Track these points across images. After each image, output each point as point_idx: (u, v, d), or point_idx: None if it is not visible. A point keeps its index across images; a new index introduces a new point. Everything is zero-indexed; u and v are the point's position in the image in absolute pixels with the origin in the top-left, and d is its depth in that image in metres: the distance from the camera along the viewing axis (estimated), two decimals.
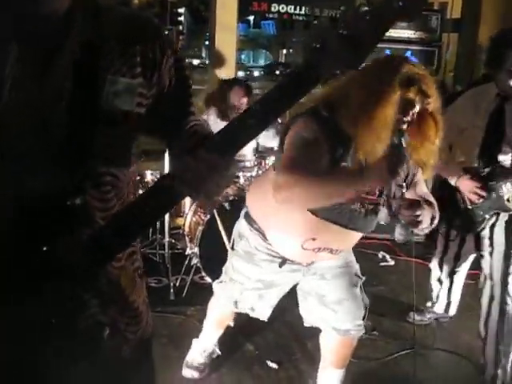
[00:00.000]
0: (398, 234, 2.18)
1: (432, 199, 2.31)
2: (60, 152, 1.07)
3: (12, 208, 1.06)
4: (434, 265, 3.72)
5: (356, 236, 2.37)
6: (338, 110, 2.04)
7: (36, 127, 1.06)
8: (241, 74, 35.70)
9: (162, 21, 27.77)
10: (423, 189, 2.36)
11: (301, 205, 2.12)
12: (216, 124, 4.75)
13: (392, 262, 5.04)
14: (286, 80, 1.06)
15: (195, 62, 42.40)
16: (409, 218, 2.02)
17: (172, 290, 3.99)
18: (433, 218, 2.15)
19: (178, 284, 4.11)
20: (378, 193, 2.19)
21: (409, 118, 2.03)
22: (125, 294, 1.31)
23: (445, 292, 3.70)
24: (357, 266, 2.57)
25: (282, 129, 2.33)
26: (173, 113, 1.29)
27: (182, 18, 27.68)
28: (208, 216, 3.92)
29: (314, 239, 2.25)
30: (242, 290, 2.56)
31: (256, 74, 36.77)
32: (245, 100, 4.66)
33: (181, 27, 28.28)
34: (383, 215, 2.12)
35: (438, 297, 3.76)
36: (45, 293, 1.06)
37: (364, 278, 2.57)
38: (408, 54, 5.40)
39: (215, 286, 2.79)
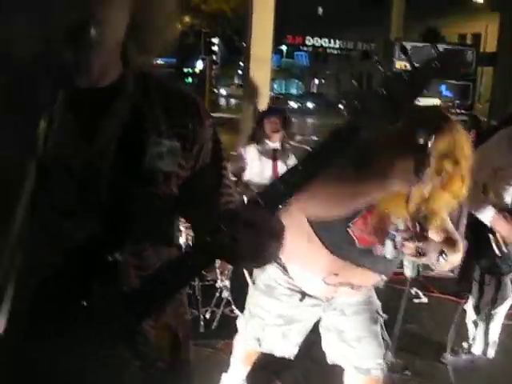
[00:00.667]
0: (405, 268, 2.15)
1: (456, 236, 2.27)
2: (104, 211, 1.11)
3: (55, 262, 1.10)
4: (469, 307, 3.63)
5: (377, 276, 2.34)
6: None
7: (83, 186, 1.11)
8: (293, 104, 35.95)
9: (196, 50, 28.30)
10: (449, 227, 2.31)
11: (323, 210, 2.06)
12: (255, 160, 4.78)
13: (425, 299, 4.94)
14: (327, 140, 1.08)
15: (228, 91, 43.02)
16: (411, 250, 2.00)
17: (202, 323, 3.97)
18: (442, 252, 2.09)
19: (207, 316, 4.09)
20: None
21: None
22: (164, 354, 1.28)
23: (481, 334, 3.60)
24: (378, 304, 2.53)
25: None
26: (207, 187, 1.31)
27: (215, 48, 28.27)
28: None
29: (336, 274, 2.25)
30: (264, 326, 2.53)
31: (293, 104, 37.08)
32: (280, 130, 4.67)
33: (214, 57, 28.85)
34: (388, 249, 2.09)
35: (474, 338, 3.66)
36: (85, 347, 1.06)
37: (386, 317, 2.53)
38: (443, 87, 5.38)
39: (239, 322, 2.78)
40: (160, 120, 1.19)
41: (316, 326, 2.59)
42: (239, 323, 2.77)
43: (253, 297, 2.60)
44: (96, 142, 1.12)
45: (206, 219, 1.25)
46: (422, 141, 1.84)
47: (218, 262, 4.20)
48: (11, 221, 0.85)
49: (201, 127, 1.27)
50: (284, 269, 2.41)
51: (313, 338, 2.66)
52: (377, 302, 2.53)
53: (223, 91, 43.21)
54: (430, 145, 1.84)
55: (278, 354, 2.60)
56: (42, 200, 0.89)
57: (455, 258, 2.21)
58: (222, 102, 34.46)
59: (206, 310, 4.13)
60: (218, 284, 4.12)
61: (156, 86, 1.23)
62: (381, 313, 2.51)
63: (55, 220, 1.09)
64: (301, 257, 2.29)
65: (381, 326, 2.49)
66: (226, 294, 4.00)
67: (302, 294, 2.40)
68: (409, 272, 2.16)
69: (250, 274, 2.85)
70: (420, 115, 1.99)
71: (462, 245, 2.27)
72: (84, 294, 1.08)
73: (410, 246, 2.00)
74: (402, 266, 2.37)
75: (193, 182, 1.26)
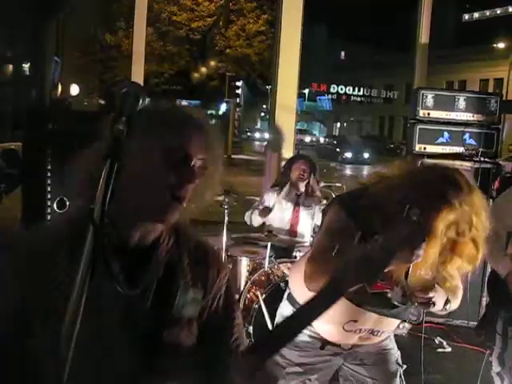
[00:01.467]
0: (411, 315, 2.15)
1: (458, 283, 2.24)
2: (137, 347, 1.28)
3: None
4: (493, 359, 3.57)
5: (396, 321, 2.33)
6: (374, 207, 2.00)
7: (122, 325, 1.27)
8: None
9: (221, 93, 28.66)
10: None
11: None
12: (277, 204, 4.82)
13: (449, 349, 4.87)
14: (322, 292, 1.31)
15: (251, 134, 43.40)
16: (421, 299, 2.02)
17: None
18: (447, 302, 2.13)
19: None
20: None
21: None
22: None
23: None
24: (398, 353, 2.51)
25: (324, 209, 2.38)
26: (221, 327, 1.48)
27: (239, 91, 28.71)
28: (263, 295, 3.92)
29: (355, 321, 2.25)
30: (284, 374, 2.52)
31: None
32: (308, 177, 4.72)
33: (238, 99, 29.26)
34: (396, 295, 2.09)
35: None
36: None
37: (405, 366, 2.50)
38: (466, 136, 5.40)
39: None
40: (186, 271, 1.38)
41: (335, 375, 2.57)
42: None
43: None
44: (137, 288, 1.29)
45: (217, 356, 1.40)
46: (415, 217, 1.87)
47: (241, 306, 4.21)
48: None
49: (219, 276, 1.46)
50: None
51: None
52: (397, 352, 2.52)
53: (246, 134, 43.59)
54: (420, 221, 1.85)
55: None
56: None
57: (455, 305, 2.23)
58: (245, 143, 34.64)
59: None
60: None
61: (184, 239, 1.42)
62: (400, 363, 2.50)
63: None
64: None
65: (400, 376, 2.48)
66: (248, 340, 3.99)
67: (323, 343, 2.40)
68: (412, 316, 2.16)
69: (272, 322, 2.85)
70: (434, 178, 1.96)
71: (461, 291, 2.28)
72: None
73: (421, 296, 2.02)
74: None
75: (209, 322, 1.43)
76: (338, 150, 32.77)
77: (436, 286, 2.07)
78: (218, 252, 1.54)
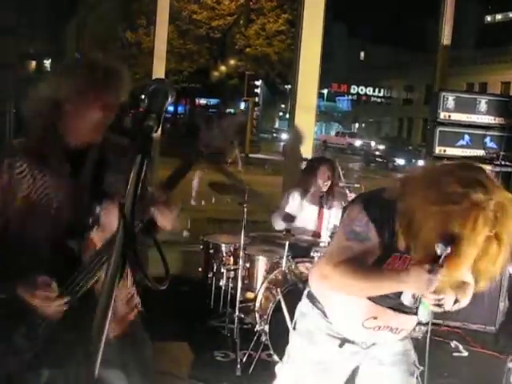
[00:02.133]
0: (421, 315, 2.15)
1: (468, 279, 2.26)
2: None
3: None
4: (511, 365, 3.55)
5: (415, 318, 2.30)
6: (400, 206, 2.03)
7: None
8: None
9: (240, 92, 28.67)
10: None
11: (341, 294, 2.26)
12: (300, 206, 4.83)
13: (465, 353, 4.83)
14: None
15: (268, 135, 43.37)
16: (432, 301, 2.04)
17: (239, 366, 3.97)
18: (456, 301, 2.13)
19: (244, 360, 4.09)
20: None
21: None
22: None
23: None
24: (415, 356, 2.51)
25: (343, 209, 2.42)
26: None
27: (258, 90, 28.72)
28: (280, 294, 3.92)
29: (375, 318, 2.25)
30: (302, 372, 2.52)
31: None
32: (330, 180, 4.75)
33: (257, 99, 29.26)
34: (407, 297, 2.10)
35: None
36: None
37: (422, 368, 2.50)
38: (487, 139, 5.36)
39: (278, 368, 2.75)
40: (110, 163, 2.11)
41: (351, 378, 2.57)
42: (278, 370, 2.76)
43: (292, 342, 2.61)
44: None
45: None
46: (439, 252, 1.92)
47: (257, 305, 4.23)
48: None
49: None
50: (325, 314, 2.43)
51: None
52: (414, 353, 2.52)
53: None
54: (444, 256, 1.92)
55: None
56: None
57: (465, 303, 2.23)
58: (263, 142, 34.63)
59: (244, 354, 4.13)
60: (257, 328, 4.13)
61: (109, 143, 2.13)
62: (417, 365, 2.49)
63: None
64: (340, 301, 2.31)
65: (417, 377, 2.48)
66: (263, 339, 4.00)
67: (342, 341, 2.39)
68: (422, 316, 2.16)
69: (291, 319, 2.85)
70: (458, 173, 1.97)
71: (471, 287, 2.27)
72: None
73: (431, 298, 2.03)
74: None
75: None
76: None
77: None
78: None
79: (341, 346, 2.39)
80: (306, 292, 2.56)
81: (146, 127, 1.01)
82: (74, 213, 2.03)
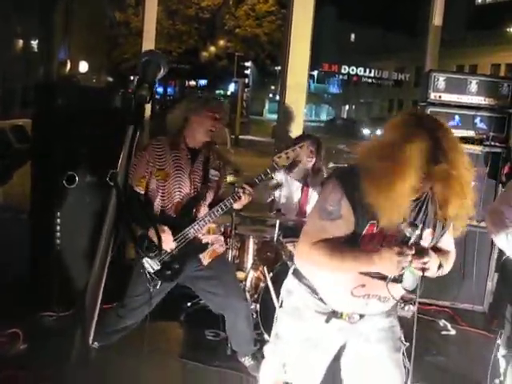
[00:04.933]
0: (406, 281, 2.17)
1: (451, 248, 2.38)
2: None
3: None
4: (501, 342, 3.58)
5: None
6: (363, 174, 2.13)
7: None
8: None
9: (229, 73, 28.59)
10: (446, 239, 2.40)
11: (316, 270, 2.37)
12: (285, 184, 4.83)
13: (453, 332, 4.88)
14: None
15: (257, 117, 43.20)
16: (417, 264, 2.10)
17: (229, 345, 3.99)
18: (440, 266, 2.23)
19: None
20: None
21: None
22: None
23: None
24: (401, 332, 2.53)
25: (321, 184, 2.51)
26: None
27: (248, 71, 28.57)
28: (270, 273, 3.94)
29: (363, 286, 2.27)
30: (289, 350, 2.52)
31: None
32: (314, 157, 4.72)
33: (246, 80, 29.11)
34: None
35: (505, 374, 3.60)
36: None
37: (407, 344, 2.52)
38: (477, 120, 5.36)
39: (266, 348, 2.77)
40: (212, 162, 3.58)
41: (338, 357, 2.58)
42: (266, 350, 2.77)
43: (279, 320, 2.61)
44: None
45: None
46: (408, 234, 2.08)
47: (248, 284, 4.24)
48: None
49: (224, 168, 3.60)
50: (312, 290, 2.43)
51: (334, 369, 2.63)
52: (399, 330, 2.53)
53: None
54: (413, 238, 2.08)
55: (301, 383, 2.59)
56: None
57: (447, 269, 2.34)
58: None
59: None
60: None
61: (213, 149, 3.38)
62: (403, 340, 2.51)
63: None
64: (328, 274, 2.34)
65: (403, 353, 2.49)
66: (254, 318, 4.01)
67: (329, 315, 2.40)
68: (408, 284, 2.18)
69: (277, 297, 2.87)
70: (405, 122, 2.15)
71: (453, 255, 2.38)
72: None
73: (417, 262, 2.09)
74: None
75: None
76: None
77: (430, 251, 2.16)
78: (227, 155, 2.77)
79: (327, 321, 2.40)
80: (291, 270, 2.58)
81: (138, 96, 1.00)
82: (191, 187, 3.41)
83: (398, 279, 2.20)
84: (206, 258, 3.52)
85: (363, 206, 2.13)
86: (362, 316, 2.41)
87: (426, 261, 2.10)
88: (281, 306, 2.59)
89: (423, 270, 2.11)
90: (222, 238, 3.78)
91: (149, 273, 3.30)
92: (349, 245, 2.20)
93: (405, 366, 2.46)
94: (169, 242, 3.29)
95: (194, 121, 3.39)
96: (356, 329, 2.45)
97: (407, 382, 2.44)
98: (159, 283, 3.32)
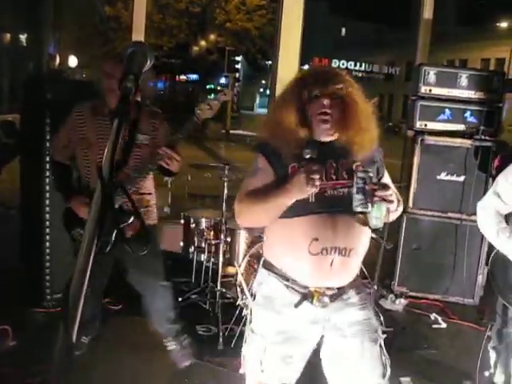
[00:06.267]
0: (374, 219, 2.16)
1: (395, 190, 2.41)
2: None
3: None
4: (492, 334, 3.60)
5: (358, 231, 2.32)
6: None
7: None
8: None
9: (220, 67, 28.52)
10: (387, 179, 2.52)
11: (250, 224, 2.64)
12: None
13: (444, 325, 4.91)
14: None
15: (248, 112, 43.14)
16: (381, 197, 2.14)
17: (221, 340, 3.99)
18: (398, 202, 2.30)
19: (226, 334, 4.11)
20: (346, 177, 2.31)
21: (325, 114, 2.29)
22: None
23: (503, 363, 3.56)
24: (378, 323, 2.50)
25: None
26: None
27: (238, 66, 28.54)
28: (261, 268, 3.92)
29: (316, 239, 2.25)
30: (265, 346, 2.44)
31: None
32: None
33: (237, 74, 29.08)
34: (358, 202, 2.14)
35: (495, 366, 3.62)
36: None
37: (385, 336, 2.50)
38: (467, 113, 5.37)
39: (243, 349, 2.67)
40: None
41: (317, 352, 2.55)
42: (243, 350, 2.67)
43: (253, 313, 2.56)
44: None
45: None
46: (307, 155, 2.17)
47: (239, 279, 4.23)
48: None
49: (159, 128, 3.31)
50: (280, 275, 2.40)
51: (315, 361, 2.59)
52: (376, 322, 2.50)
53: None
54: (314, 156, 2.18)
55: (279, 382, 2.50)
56: None
57: (400, 208, 2.41)
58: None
59: (226, 328, 4.15)
60: (238, 302, 4.14)
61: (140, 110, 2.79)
62: (380, 333, 2.48)
63: None
64: (283, 241, 2.37)
65: (380, 345, 2.46)
66: (245, 312, 4.01)
67: (300, 300, 2.35)
68: (376, 222, 2.16)
69: (249, 291, 2.84)
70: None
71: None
72: None
73: (382, 194, 2.14)
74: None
75: None
76: None
77: (390, 185, 2.26)
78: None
79: (297, 305, 2.36)
80: (261, 262, 2.56)
81: (124, 88, 0.99)
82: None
83: (365, 221, 2.21)
84: (128, 231, 3.05)
85: (276, 154, 2.32)
86: (332, 297, 2.37)
87: (390, 193, 2.15)
88: (253, 299, 2.57)
89: (389, 202, 2.16)
90: (155, 211, 3.52)
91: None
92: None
93: (382, 358, 2.45)
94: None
95: (103, 83, 3.15)
96: (330, 321, 2.41)
97: (386, 374, 2.44)
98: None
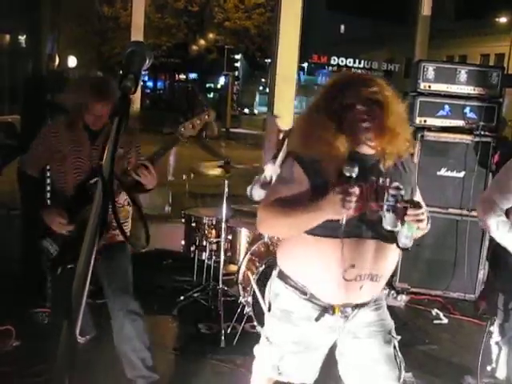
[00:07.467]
0: (404, 238, 2.14)
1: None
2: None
3: None
4: (495, 329, 3.60)
5: (390, 258, 2.32)
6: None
7: None
8: None
9: (219, 66, 28.52)
10: (418, 195, 2.45)
11: (271, 234, 2.72)
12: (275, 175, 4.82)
13: (446, 320, 4.92)
14: None
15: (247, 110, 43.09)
16: (414, 217, 2.10)
17: (223, 338, 4.00)
18: (428, 219, 2.23)
19: (228, 331, 4.12)
20: (374, 200, 2.21)
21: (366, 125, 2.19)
22: None
23: (505, 359, 3.57)
24: (392, 325, 2.49)
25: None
26: None
27: (238, 64, 28.53)
28: (263, 266, 3.94)
29: (353, 266, 2.20)
30: (282, 354, 2.48)
31: None
32: None
33: (236, 73, 29.07)
34: (389, 220, 2.10)
35: (497, 361, 3.63)
36: None
37: (399, 338, 2.50)
38: (467, 109, 5.37)
39: (256, 349, 2.71)
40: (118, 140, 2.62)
41: (332, 355, 2.54)
42: (257, 351, 2.71)
43: (269, 324, 2.56)
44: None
45: None
46: (347, 174, 2.06)
47: (240, 277, 4.24)
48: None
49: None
50: (300, 290, 2.37)
51: (333, 360, 2.60)
52: (390, 323, 2.50)
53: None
54: (354, 176, 2.06)
55: (297, 381, 2.54)
56: None
57: (428, 225, 2.31)
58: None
59: (228, 326, 4.16)
60: (240, 300, 4.15)
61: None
62: (394, 334, 2.48)
63: None
64: (314, 257, 2.28)
65: (394, 347, 2.46)
66: (247, 310, 4.02)
67: (320, 313, 2.35)
68: (406, 241, 2.14)
69: (264, 301, 2.84)
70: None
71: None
72: None
73: (411, 214, 2.09)
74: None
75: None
76: None
77: (421, 203, 2.20)
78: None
79: (318, 319, 2.35)
80: (275, 273, 2.51)
81: (123, 87, 0.99)
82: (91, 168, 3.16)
83: (394, 240, 2.18)
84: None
85: (314, 165, 2.20)
86: (354, 308, 2.36)
87: (422, 211, 2.10)
88: (269, 310, 2.56)
89: (421, 221, 2.11)
90: (129, 225, 3.42)
91: (50, 257, 3.20)
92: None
93: (397, 360, 2.45)
94: (63, 225, 3.08)
95: (85, 106, 3.13)
96: (345, 327, 2.40)
97: (401, 377, 2.43)
98: (59, 268, 3.12)
